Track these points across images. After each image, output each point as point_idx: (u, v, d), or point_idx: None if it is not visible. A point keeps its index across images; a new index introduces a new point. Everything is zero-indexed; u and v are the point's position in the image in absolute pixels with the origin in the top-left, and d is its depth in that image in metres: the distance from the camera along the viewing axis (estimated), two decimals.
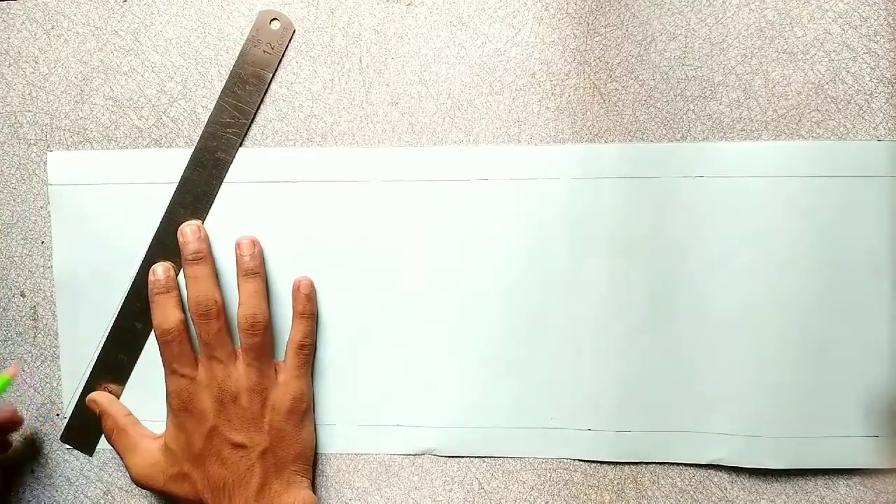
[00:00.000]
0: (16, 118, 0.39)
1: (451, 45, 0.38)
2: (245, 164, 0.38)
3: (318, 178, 0.38)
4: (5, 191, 0.39)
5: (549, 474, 0.38)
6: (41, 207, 0.39)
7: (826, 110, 0.37)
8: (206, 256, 0.37)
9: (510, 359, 0.38)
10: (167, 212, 0.38)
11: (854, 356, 0.36)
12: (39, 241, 0.39)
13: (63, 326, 0.39)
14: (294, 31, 0.38)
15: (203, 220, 0.38)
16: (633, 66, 0.37)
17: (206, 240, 0.37)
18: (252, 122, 0.38)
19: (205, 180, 0.38)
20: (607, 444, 0.37)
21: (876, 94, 0.36)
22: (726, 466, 0.37)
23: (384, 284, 0.38)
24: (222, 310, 0.36)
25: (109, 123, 0.39)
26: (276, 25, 0.38)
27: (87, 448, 0.39)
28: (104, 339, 0.39)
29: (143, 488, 0.37)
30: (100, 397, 0.38)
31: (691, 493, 0.37)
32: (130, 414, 0.38)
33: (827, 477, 0.37)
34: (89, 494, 0.40)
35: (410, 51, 0.38)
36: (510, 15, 0.37)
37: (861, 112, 0.36)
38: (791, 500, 0.37)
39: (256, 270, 0.37)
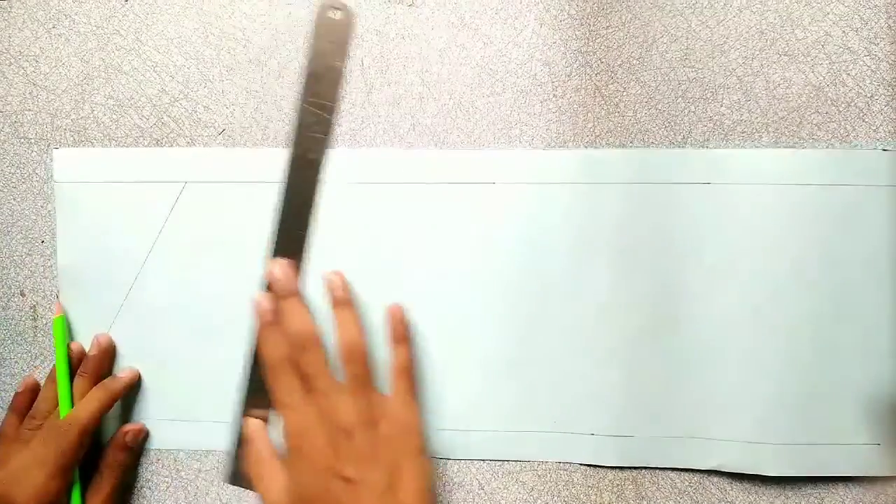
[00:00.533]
0: (17, 117, 0.39)
1: (452, 45, 0.38)
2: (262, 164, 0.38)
3: (326, 181, 0.38)
4: (6, 189, 0.39)
5: (548, 476, 0.38)
6: (42, 206, 0.39)
7: (826, 113, 0.37)
8: (297, 291, 0.36)
9: (512, 362, 0.37)
10: (279, 221, 0.38)
11: (856, 364, 0.36)
12: (39, 241, 0.39)
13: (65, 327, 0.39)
14: (356, 17, 0.37)
15: (307, 226, 0.38)
16: (634, 68, 0.37)
17: (294, 277, 0.37)
18: (336, 115, 0.38)
19: (305, 184, 0.37)
20: (609, 448, 0.37)
21: (876, 97, 0.36)
22: (726, 473, 0.37)
23: (385, 287, 0.38)
24: (321, 340, 0.35)
25: (110, 123, 0.39)
26: (336, 14, 0.38)
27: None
28: (251, 364, 0.38)
29: None
30: (251, 423, 0.37)
31: (691, 494, 0.37)
32: (275, 448, 0.36)
33: (827, 479, 0.37)
34: None
35: (412, 51, 0.38)
36: (512, 16, 0.38)
37: (861, 115, 0.37)
38: (790, 502, 0.37)
39: (349, 300, 0.36)
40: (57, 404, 0.37)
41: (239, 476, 0.38)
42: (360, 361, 0.35)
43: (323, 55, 0.37)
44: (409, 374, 0.36)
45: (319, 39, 0.37)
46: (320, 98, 0.37)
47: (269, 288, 0.37)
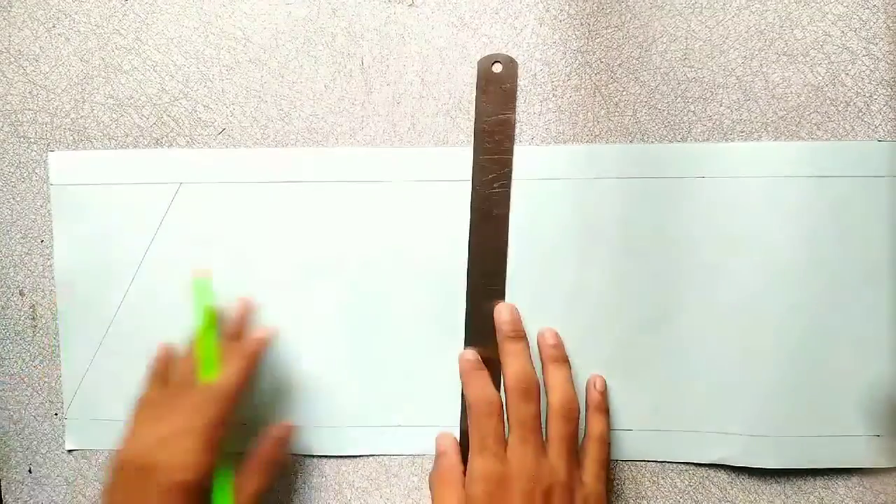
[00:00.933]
0: (16, 116, 0.39)
1: (452, 45, 0.38)
2: (257, 163, 0.38)
3: (320, 179, 0.38)
4: (5, 189, 0.39)
5: None
6: (41, 206, 0.39)
7: (826, 112, 0.37)
8: (524, 337, 0.36)
9: None
10: (469, 291, 0.37)
11: (855, 355, 0.36)
12: (39, 240, 0.39)
13: (63, 328, 0.39)
14: (517, 64, 0.37)
15: (503, 287, 0.37)
16: (633, 68, 0.37)
17: (520, 321, 0.36)
18: (513, 166, 0.37)
19: (491, 240, 0.37)
20: (610, 443, 0.37)
21: (875, 97, 0.37)
22: (726, 466, 0.37)
23: (384, 284, 0.38)
24: (540, 392, 0.34)
25: (110, 122, 0.39)
26: (497, 68, 0.37)
27: None
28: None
29: None
30: (446, 438, 0.37)
31: (691, 493, 0.37)
32: (462, 472, 0.34)
33: (826, 477, 0.37)
34: (87, 494, 0.40)
35: (412, 51, 0.38)
36: (512, 16, 0.38)
37: (860, 114, 0.37)
38: (790, 501, 0.37)
39: (565, 359, 0.36)
40: (198, 369, 0.35)
41: None
42: (573, 423, 0.33)
43: (492, 112, 0.37)
44: (606, 446, 0.35)
45: (485, 95, 0.37)
46: (496, 154, 0.37)
47: (496, 327, 0.36)
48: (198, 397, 0.34)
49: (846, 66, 0.37)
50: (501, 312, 0.36)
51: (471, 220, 0.37)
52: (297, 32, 0.38)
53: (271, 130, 0.38)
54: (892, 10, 0.36)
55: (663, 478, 0.37)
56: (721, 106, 0.37)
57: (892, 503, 0.37)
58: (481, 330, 0.37)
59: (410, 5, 0.38)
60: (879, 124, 0.37)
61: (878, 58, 0.37)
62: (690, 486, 0.37)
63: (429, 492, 0.38)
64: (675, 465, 0.37)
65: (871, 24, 0.36)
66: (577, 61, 0.37)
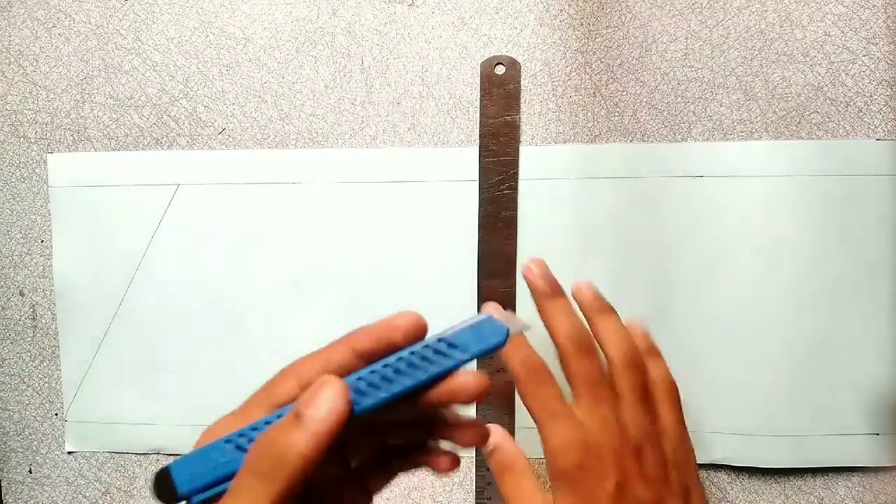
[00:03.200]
0: (16, 116, 0.39)
1: (452, 45, 0.38)
2: (251, 164, 0.38)
3: (320, 181, 0.38)
4: (5, 190, 0.39)
5: (547, 475, 0.38)
6: (41, 206, 0.39)
7: (825, 112, 0.37)
8: (563, 293, 0.32)
9: None
10: (480, 293, 0.37)
11: (854, 354, 0.36)
12: (39, 241, 0.39)
13: (63, 330, 0.39)
14: (520, 66, 0.37)
15: (514, 288, 0.37)
16: (633, 68, 0.37)
17: (553, 277, 0.32)
18: (519, 167, 0.37)
19: (499, 242, 0.37)
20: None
21: (875, 97, 0.37)
22: (726, 466, 0.37)
23: (387, 287, 0.38)
24: (596, 345, 0.31)
25: (110, 122, 0.39)
26: (500, 70, 0.37)
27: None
28: None
29: None
30: (497, 430, 0.32)
31: None
32: (527, 458, 0.31)
33: (826, 477, 0.37)
34: (87, 495, 0.40)
35: (412, 51, 0.38)
36: (511, 16, 0.38)
37: (860, 114, 0.37)
38: (790, 501, 0.37)
39: (611, 308, 0.32)
40: None
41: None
42: (642, 371, 0.30)
43: (496, 114, 0.37)
44: (676, 390, 0.32)
45: (488, 97, 0.37)
46: (501, 156, 0.37)
47: (529, 288, 0.32)
48: None
49: (846, 66, 0.37)
50: (532, 270, 0.32)
51: (479, 222, 0.37)
52: (297, 32, 0.38)
53: (271, 130, 0.38)
54: (892, 10, 0.36)
55: None
56: (721, 106, 0.37)
57: (893, 503, 0.37)
58: None
59: (410, 5, 0.38)
60: (879, 124, 0.37)
61: (877, 58, 0.37)
62: None
63: (430, 491, 0.38)
64: None
65: (871, 24, 0.36)
66: (577, 61, 0.37)
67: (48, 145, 0.39)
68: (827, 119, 0.37)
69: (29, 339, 0.40)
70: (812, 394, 0.36)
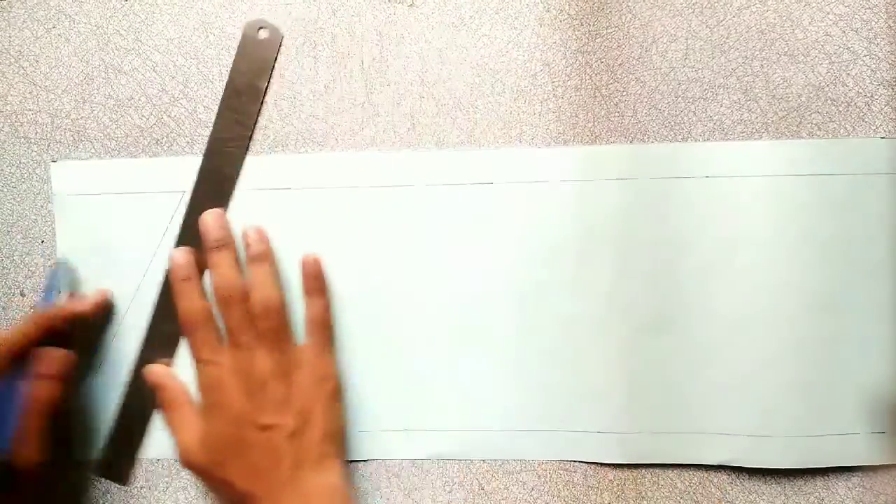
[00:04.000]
0: (16, 117, 0.39)
1: (452, 45, 0.38)
2: (250, 172, 0.38)
3: (322, 185, 0.38)
4: (5, 190, 0.39)
5: (549, 475, 0.38)
6: (41, 206, 0.39)
7: (826, 112, 0.37)
8: (229, 243, 0.37)
9: (516, 361, 0.37)
10: (179, 238, 0.38)
11: (857, 353, 0.36)
12: (39, 241, 0.39)
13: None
14: (283, 38, 0.38)
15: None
16: (634, 68, 0.37)
17: (228, 227, 0.37)
18: (253, 133, 0.38)
19: (214, 200, 0.38)
20: (615, 445, 0.37)
21: (876, 97, 0.36)
22: (727, 466, 0.37)
23: (388, 290, 0.38)
24: (246, 296, 0.36)
25: (110, 123, 0.39)
26: (263, 34, 0.38)
27: (122, 478, 0.39)
28: (153, 313, 0.38)
29: (188, 468, 0.36)
30: (158, 369, 0.38)
31: (691, 493, 0.37)
32: (187, 390, 0.37)
33: (826, 477, 0.37)
34: (88, 494, 0.40)
35: (412, 51, 0.38)
36: (512, 16, 0.38)
37: (861, 114, 0.37)
38: (790, 501, 0.37)
39: (265, 255, 0.37)
40: None
41: (111, 467, 0.39)
42: (274, 317, 0.36)
43: (245, 73, 0.38)
44: (324, 325, 0.37)
45: (243, 57, 0.38)
46: (239, 114, 0.37)
47: (202, 237, 0.37)
48: None
49: (847, 66, 0.37)
50: (206, 222, 0.37)
51: (199, 173, 0.38)
52: (297, 32, 0.38)
53: (271, 131, 0.38)
54: (894, 10, 0.36)
55: (663, 478, 0.37)
56: (722, 106, 0.37)
57: (893, 503, 0.37)
58: None
59: (410, 5, 0.38)
60: (881, 124, 0.36)
61: (879, 58, 0.36)
62: (690, 486, 0.37)
63: (429, 491, 0.38)
64: (675, 466, 0.37)
65: (873, 24, 0.36)
66: (578, 61, 0.37)
67: (48, 146, 0.39)
68: (828, 119, 0.37)
69: None
70: (817, 393, 0.36)
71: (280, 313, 0.36)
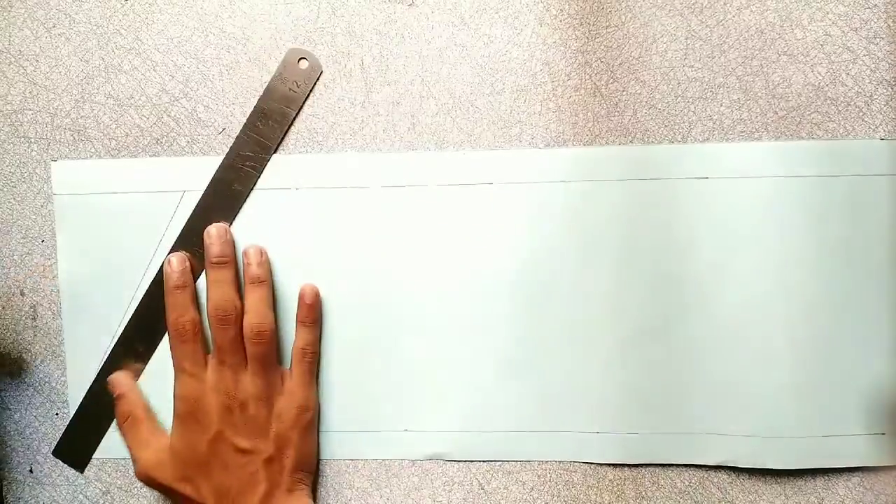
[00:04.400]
0: (16, 116, 0.39)
1: (452, 45, 0.38)
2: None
3: (322, 185, 0.38)
4: (5, 189, 0.39)
5: (548, 475, 0.38)
6: (41, 206, 0.39)
7: (826, 112, 0.37)
8: (231, 261, 0.37)
9: (516, 362, 0.37)
10: (176, 241, 0.38)
11: (858, 354, 0.36)
12: (39, 240, 0.39)
13: (68, 336, 0.39)
14: (321, 73, 0.38)
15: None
16: (633, 68, 0.37)
17: (232, 244, 0.37)
18: (271, 157, 0.38)
19: (221, 211, 0.38)
20: (615, 445, 0.37)
21: (876, 97, 0.36)
22: (727, 466, 0.37)
23: (388, 290, 0.38)
24: (241, 316, 0.36)
25: (110, 122, 0.39)
26: (304, 64, 0.38)
27: (80, 464, 0.39)
28: (123, 328, 0.38)
29: (147, 484, 0.37)
30: (122, 378, 0.38)
31: (691, 493, 0.37)
32: (148, 405, 0.38)
33: (826, 477, 0.37)
34: (88, 494, 0.40)
35: (412, 51, 0.38)
36: (512, 16, 0.38)
37: (861, 114, 0.37)
38: (790, 501, 0.37)
39: (263, 278, 0.37)
40: None
41: (68, 448, 0.39)
42: (265, 343, 0.36)
43: (277, 98, 0.38)
44: (310, 357, 0.37)
45: (280, 81, 0.38)
46: (263, 137, 0.37)
47: (204, 250, 0.37)
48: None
49: (847, 66, 0.37)
50: (211, 235, 0.37)
51: (210, 183, 0.38)
52: (297, 32, 0.38)
53: None
54: (893, 9, 0.36)
55: (663, 478, 0.37)
56: (721, 106, 0.37)
57: (893, 503, 0.37)
58: None
59: (410, 5, 0.38)
60: (880, 124, 0.36)
61: (878, 57, 0.36)
62: (690, 486, 0.37)
63: (429, 491, 0.38)
64: (675, 466, 0.37)
65: (872, 23, 0.36)
66: (577, 61, 0.37)
67: (48, 145, 0.39)
68: (827, 119, 0.37)
69: (30, 339, 0.40)
70: (818, 394, 0.36)
71: (271, 340, 0.36)
